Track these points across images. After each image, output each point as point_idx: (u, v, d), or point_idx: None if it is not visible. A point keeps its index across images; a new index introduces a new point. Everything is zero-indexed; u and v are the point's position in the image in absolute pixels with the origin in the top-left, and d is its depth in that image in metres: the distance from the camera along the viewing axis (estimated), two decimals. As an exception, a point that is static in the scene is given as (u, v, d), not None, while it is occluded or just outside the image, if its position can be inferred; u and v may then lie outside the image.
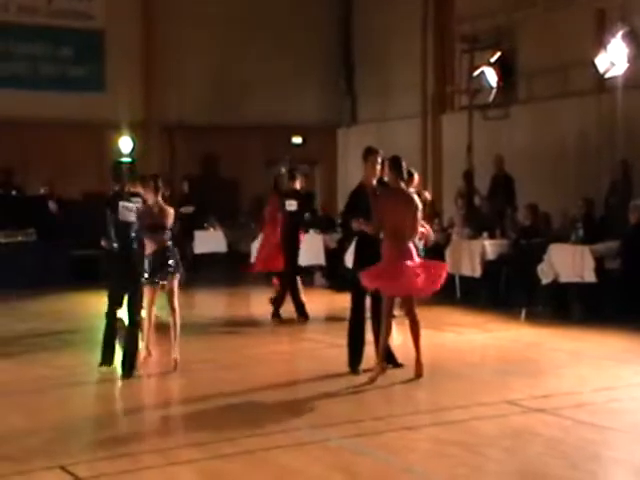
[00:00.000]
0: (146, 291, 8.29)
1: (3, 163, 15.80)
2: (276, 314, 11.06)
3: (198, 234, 16.18)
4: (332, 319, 11.36)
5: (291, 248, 11.13)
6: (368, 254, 7.71)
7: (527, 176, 14.17)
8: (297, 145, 19.43)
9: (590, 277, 10.71)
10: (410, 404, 7.08)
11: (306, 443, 5.90)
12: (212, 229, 16.61)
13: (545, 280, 11.19)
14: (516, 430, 6.20)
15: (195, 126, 17.81)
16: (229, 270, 15.89)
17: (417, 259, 7.69)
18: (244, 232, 15.47)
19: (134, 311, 8.03)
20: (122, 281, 8.01)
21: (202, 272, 15.34)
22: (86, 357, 8.98)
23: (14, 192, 15.31)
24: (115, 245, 7.94)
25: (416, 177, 9.79)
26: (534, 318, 10.94)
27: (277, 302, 11.14)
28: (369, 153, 8.08)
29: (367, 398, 7.18)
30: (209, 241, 16.37)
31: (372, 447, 5.82)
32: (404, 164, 7.76)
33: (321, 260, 14.50)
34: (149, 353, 8.59)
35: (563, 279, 11.03)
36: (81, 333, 10.48)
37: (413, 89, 17.66)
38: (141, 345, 8.43)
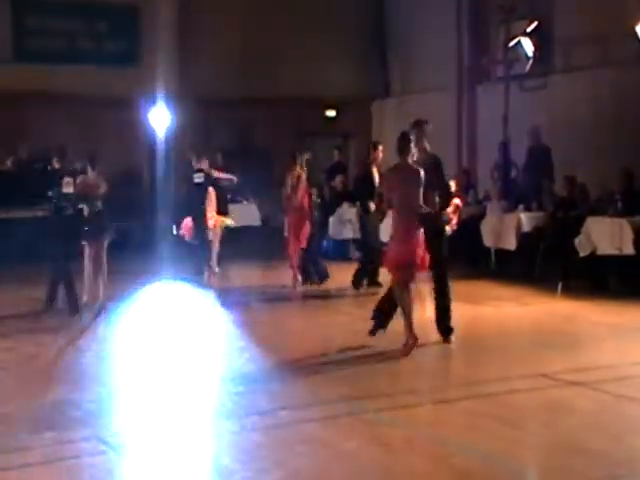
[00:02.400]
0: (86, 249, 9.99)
1: (39, 138, 15.89)
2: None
3: (232, 207, 16.14)
4: (367, 292, 11.29)
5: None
6: None
7: (565, 147, 13.90)
8: (331, 118, 19.28)
9: (628, 250, 10.51)
10: (445, 377, 7.02)
11: (340, 416, 5.87)
12: (246, 202, 16.58)
13: (582, 253, 11.01)
14: (553, 403, 6.12)
15: (229, 99, 17.72)
16: (263, 243, 15.87)
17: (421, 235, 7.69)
18: (278, 205, 15.41)
19: (66, 262, 9.80)
20: (61, 240, 9.78)
21: (236, 246, 15.30)
22: (122, 328, 9.05)
23: (49, 167, 15.38)
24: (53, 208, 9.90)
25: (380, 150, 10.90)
26: (571, 291, 10.78)
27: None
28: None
29: (402, 371, 7.12)
30: (243, 214, 16.35)
31: (407, 420, 5.78)
32: (411, 138, 7.80)
33: (356, 233, 14.42)
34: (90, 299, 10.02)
35: (601, 252, 10.84)
36: (117, 305, 10.55)
37: (448, 60, 17.39)
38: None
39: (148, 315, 9.97)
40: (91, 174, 10.14)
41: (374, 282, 11.23)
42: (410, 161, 7.74)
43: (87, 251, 10.05)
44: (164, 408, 6.24)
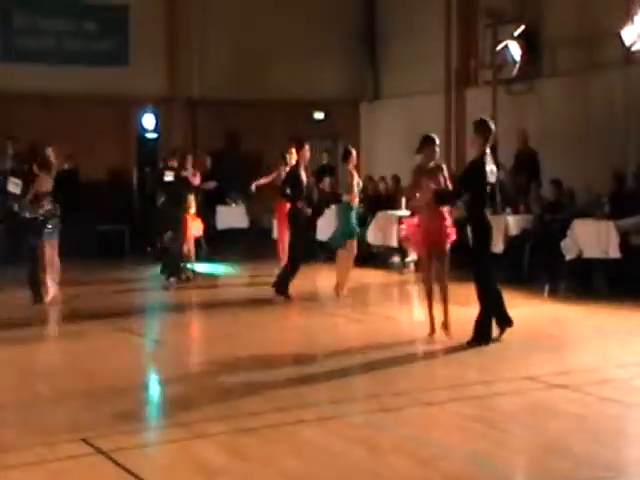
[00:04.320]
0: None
1: (28, 137, 15.83)
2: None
3: (220, 209, 16.15)
4: (355, 294, 11.30)
5: None
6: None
7: (552, 151, 13.96)
8: (319, 121, 19.29)
9: (614, 253, 10.56)
10: (431, 379, 7.02)
11: (327, 418, 5.87)
12: (234, 204, 16.58)
13: (569, 256, 11.05)
14: (538, 406, 6.14)
15: (218, 101, 17.72)
16: (252, 245, 15.86)
17: (449, 221, 8.52)
18: (266, 207, 15.42)
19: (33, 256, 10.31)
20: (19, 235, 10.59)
21: (225, 247, 15.31)
22: (111, 332, 9.03)
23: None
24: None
25: (353, 154, 10.78)
26: (557, 294, 10.82)
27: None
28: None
29: (389, 373, 7.13)
30: (231, 216, 16.36)
31: (393, 422, 5.79)
32: (435, 141, 8.56)
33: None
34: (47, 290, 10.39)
35: (587, 255, 10.89)
36: (105, 307, 10.53)
37: (437, 63, 17.44)
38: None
39: (129, 316, 9.94)
40: (41, 174, 10.51)
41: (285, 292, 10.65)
42: (431, 160, 8.51)
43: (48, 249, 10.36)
44: (150, 409, 6.22)
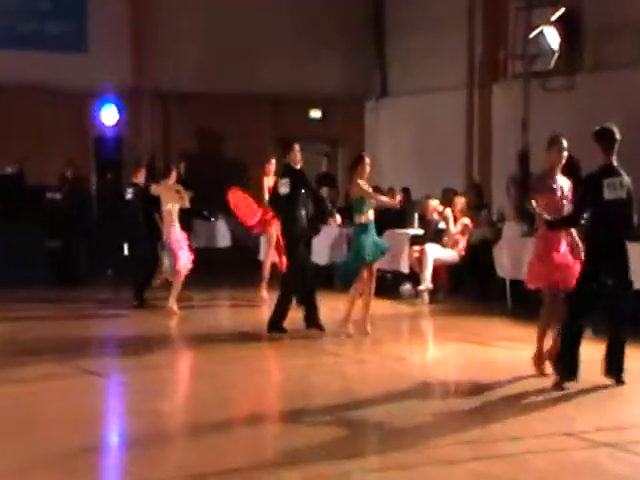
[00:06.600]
0: None
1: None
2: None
3: (197, 225, 16.15)
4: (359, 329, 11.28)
5: None
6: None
7: (595, 158, 13.99)
8: (315, 120, 19.38)
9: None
10: (449, 433, 6.99)
11: (323, 476, 5.85)
12: (213, 219, 16.57)
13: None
14: (578, 466, 6.13)
15: (193, 95, 17.77)
16: (234, 268, 15.86)
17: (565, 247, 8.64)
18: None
19: None
20: None
21: (203, 269, 15.28)
22: (63, 372, 9.02)
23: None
24: None
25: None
26: (602, 332, 10.79)
27: None
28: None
29: (397, 425, 7.12)
30: (210, 234, 16.37)
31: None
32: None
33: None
34: None
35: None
36: (56, 341, 10.52)
37: (458, 54, 17.58)
38: None
39: (87, 352, 9.94)
40: None
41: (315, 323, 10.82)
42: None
43: None
44: (106, 465, 6.21)
